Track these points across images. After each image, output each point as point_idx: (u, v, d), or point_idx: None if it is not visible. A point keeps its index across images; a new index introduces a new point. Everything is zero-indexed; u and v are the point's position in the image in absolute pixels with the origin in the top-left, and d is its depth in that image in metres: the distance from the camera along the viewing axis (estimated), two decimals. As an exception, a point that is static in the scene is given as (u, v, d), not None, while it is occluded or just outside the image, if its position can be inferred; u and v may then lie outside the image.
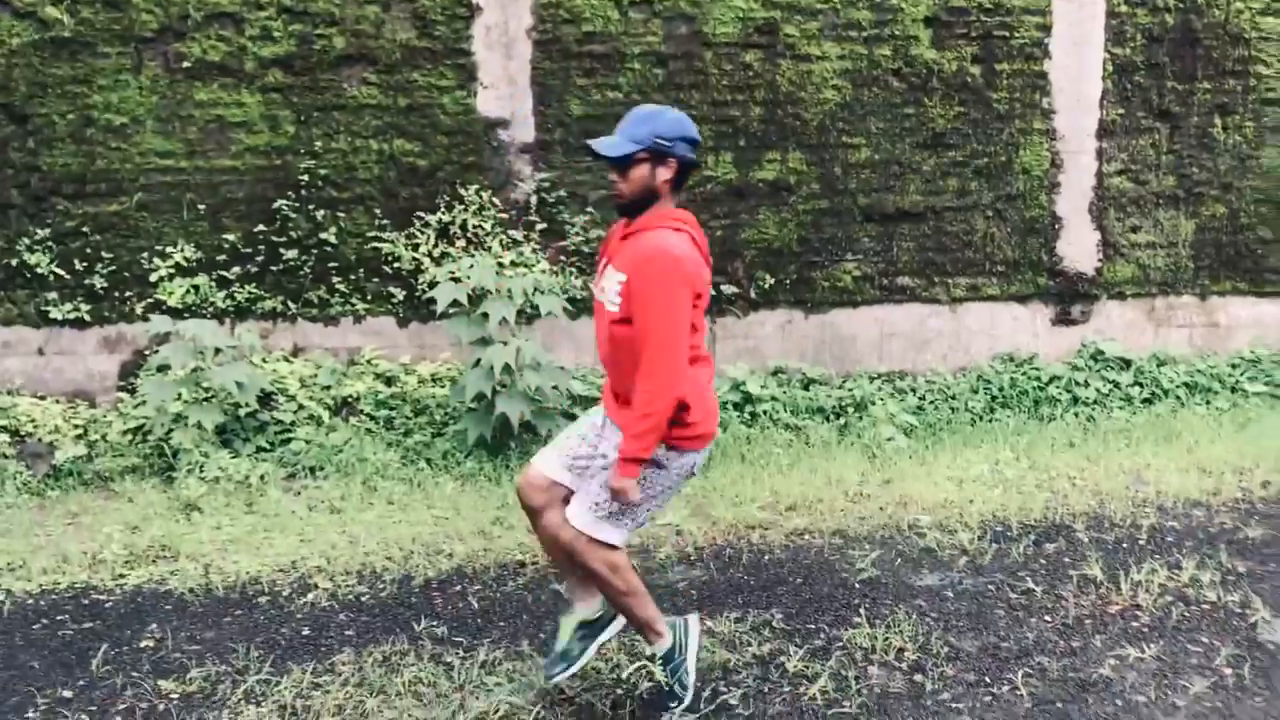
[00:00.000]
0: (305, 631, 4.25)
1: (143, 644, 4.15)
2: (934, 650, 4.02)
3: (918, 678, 3.83)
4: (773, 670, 3.87)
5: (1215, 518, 5.55)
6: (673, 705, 3.52)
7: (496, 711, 3.54)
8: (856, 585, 4.67)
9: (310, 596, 4.59)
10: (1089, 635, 4.16)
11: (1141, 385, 7.66)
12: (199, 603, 4.57)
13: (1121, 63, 7.71)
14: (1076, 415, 7.37)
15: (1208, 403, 7.61)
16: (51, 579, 4.82)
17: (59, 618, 4.42)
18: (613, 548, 3.36)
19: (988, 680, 3.81)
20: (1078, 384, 7.58)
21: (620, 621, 3.65)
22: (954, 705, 3.63)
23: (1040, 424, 7.22)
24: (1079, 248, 7.84)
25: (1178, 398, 7.61)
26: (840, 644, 4.07)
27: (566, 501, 3.50)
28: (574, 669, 3.55)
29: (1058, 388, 7.55)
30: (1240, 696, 3.68)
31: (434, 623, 4.29)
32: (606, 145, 3.29)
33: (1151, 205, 7.89)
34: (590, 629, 3.60)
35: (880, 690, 3.73)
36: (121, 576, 4.88)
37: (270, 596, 4.62)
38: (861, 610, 4.36)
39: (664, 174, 3.31)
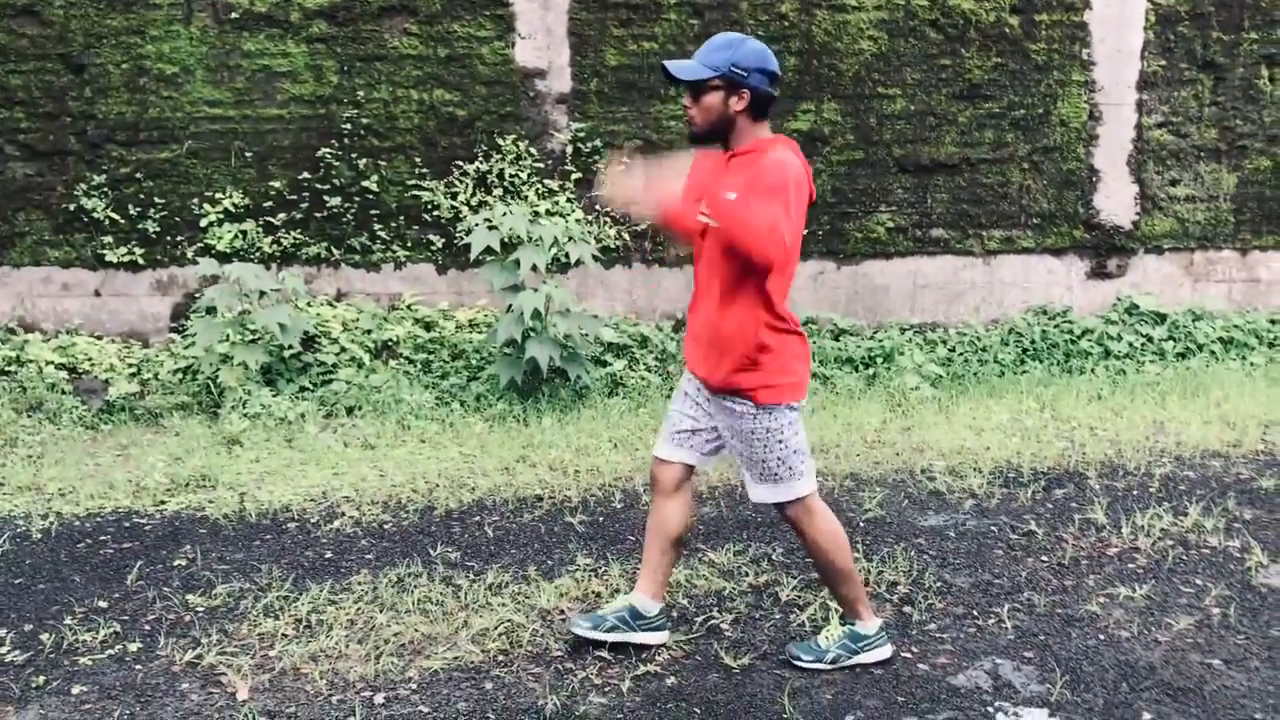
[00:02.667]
0: (328, 555, 4.49)
1: (176, 563, 4.41)
2: (926, 585, 4.14)
3: (906, 609, 3.95)
4: (766, 599, 4.02)
5: (1232, 468, 5.57)
6: (804, 658, 3.49)
7: (497, 628, 3.74)
8: (861, 524, 4.79)
9: (337, 524, 4.82)
10: (1082, 575, 4.25)
11: (1175, 340, 7.64)
12: (232, 528, 4.82)
13: (1164, 13, 7.62)
14: (1107, 369, 7.37)
15: (1243, 358, 7.57)
16: (97, 503, 5.11)
17: (101, 538, 4.70)
18: (806, 499, 3.36)
19: (975, 614, 3.92)
20: (1110, 338, 7.58)
21: (661, 637, 3.61)
22: (938, 635, 3.75)
23: (1070, 377, 7.24)
24: (1116, 201, 7.81)
25: (1212, 353, 7.58)
26: (836, 577, 4.21)
27: (686, 478, 3.52)
28: (591, 634, 3.55)
29: (1090, 341, 7.55)
30: (1223, 634, 3.75)
31: (449, 549, 4.50)
32: (680, 68, 3.22)
33: (1192, 158, 7.82)
34: (633, 619, 3.57)
35: (868, 620, 3.87)
36: (162, 503, 5.16)
37: (299, 523, 4.86)
38: (860, 546, 4.49)
39: (737, 104, 3.19)
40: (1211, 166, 7.84)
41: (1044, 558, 4.43)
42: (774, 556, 4.40)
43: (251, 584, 4.17)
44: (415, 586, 4.09)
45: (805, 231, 7.50)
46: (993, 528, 4.76)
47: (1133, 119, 7.73)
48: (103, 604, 4.02)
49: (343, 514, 4.95)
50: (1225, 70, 7.72)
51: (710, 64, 3.19)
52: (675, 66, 3.24)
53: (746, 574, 4.21)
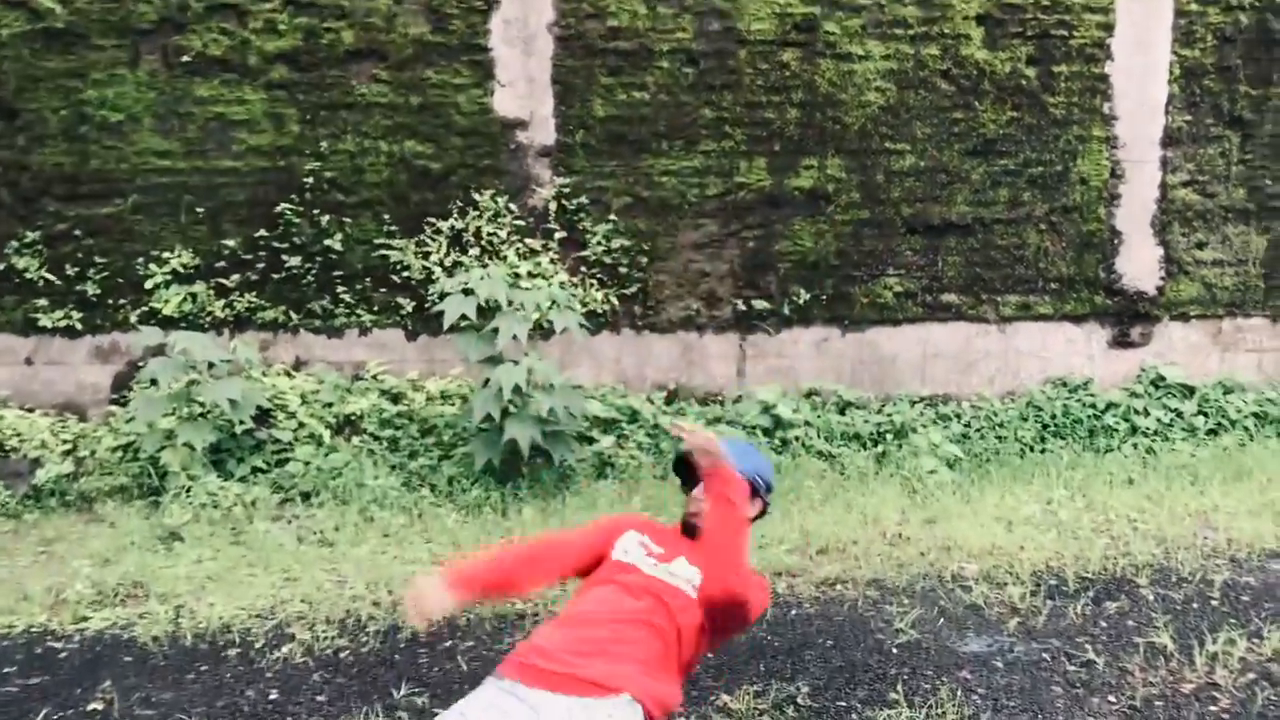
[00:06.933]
0: (273, 695, 3.80)
1: (91, 707, 3.72)
2: (982, 738, 3.51)
3: (963, 774, 3.32)
4: (796, 760, 3.37)
5: (1295, 573, 4.98)
6: None
7: (473, 810, 3.07)
8: (894, 651, 4.16)
9: (285, 650, 4.14)
10: (1160, 722, 3.63)
11: (1206, 415, 7.08)
12: (162, 654, 4.13)
13: (1190, 65, 7.12)
14: (1135, 447, 6.80)
15: (1279, 435, 7.01)
16: (7, 620, 4.42)
17: (6, 670, 4.00)
18: None
19: (1045, 779, 3.29)
20: (1136, 412, 7.02)
21: None
22: (1006, 812, 3.12)
23: (1096, 456, 6.66)
24: (1139, 264, 7.26)
25: (1246, 429, 7.02)
26: (874, 727, 3.57)
27: None
28: None
29: (1115, 416, 6.98)
30: (1343, 808, 3.14)
31: (415, 688, 3.82)
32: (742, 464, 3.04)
33: (1220, 219, 7.30)
34: None
35: (920, 790, 3.23)
36: (84, 619, 4.47)
37: (241, 649, 4.18)
38: (899, 685, 3.85)
39: (751, 511, 3.14)
40: (1240, 228, 7.32)
41: (1111, 698, 3.80)
42: (799, 699, 3.74)
43: (178, 739, 3.49)
44: (375, 745, 3.42)
45: (808, 295, 6.98)
46: (1045, 655, 4.13)
47: (1157, 177, 7.20)
48: (-6, 770, 3.33)
49: (292, 637, 4.26)
50: (1254, 126, 7.22)
51: (742, 469, 3.03)
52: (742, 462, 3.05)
53: (770, 726, 3.57)
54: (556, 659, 2.67)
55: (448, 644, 4.21)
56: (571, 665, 2.65)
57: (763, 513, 3.24)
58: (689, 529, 3.13)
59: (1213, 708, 3.73)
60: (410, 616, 2.83)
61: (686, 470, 3.30)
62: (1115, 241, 7.22)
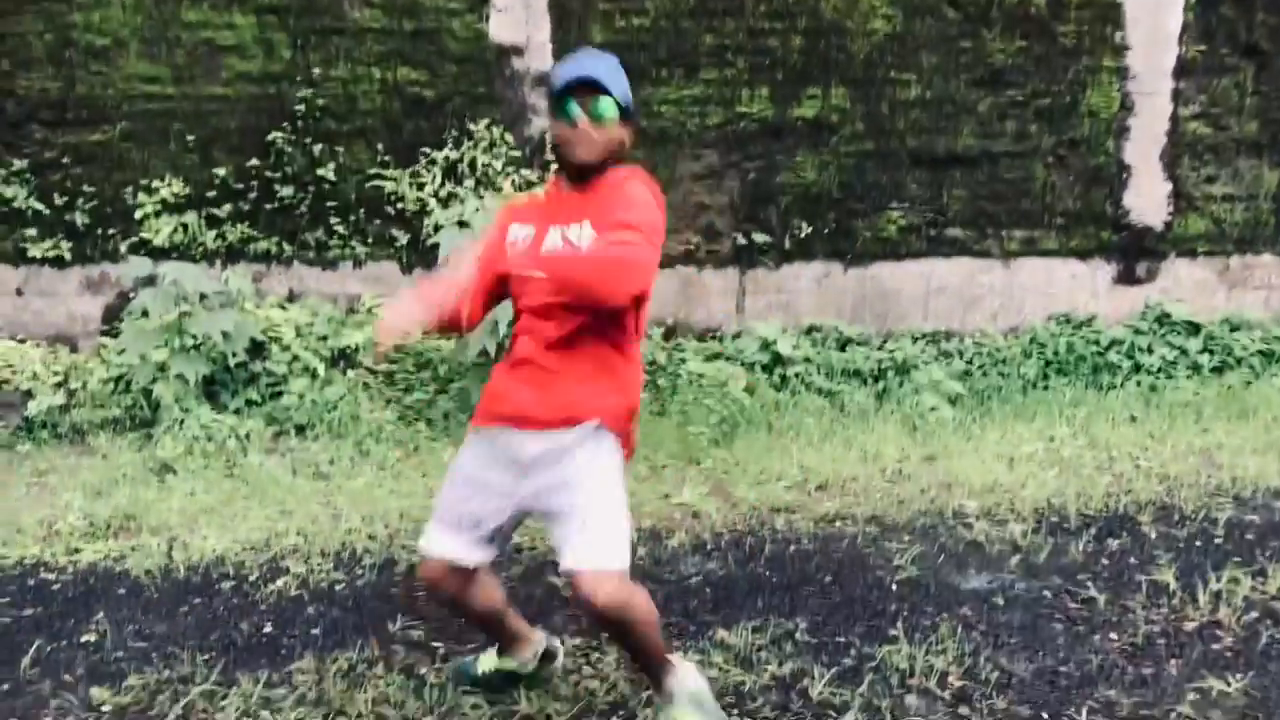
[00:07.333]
0: (267, 628, 3.76)
1: (84, 638, 3.67)
2: (982, 676, 3.46)
3: (963, 710, 3.27)
4: (794, 697, 3.32)
5: (1300, 511, 4.94)
6: None
7: (468, 744, 3.04)
8: (893, 588, 4.11)
9: (279, 583, 4.10)
10: (1162, 660, 3.59)
11: (1211, 352, 7.00)
12: (156, 586, 4.09)
13: (1206, -8, 6.94)
14: (1139, 384, 6.73)
15: (1285, 373, 6.95)
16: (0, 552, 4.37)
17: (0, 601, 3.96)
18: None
19: (1045, 716, 3.25)
20: (1140, 349, 6.94)
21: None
22: (1006, 748, 3.08)
23: (1099, 394, 6.60)
24: (1148, 199, 7.14)
25: (1251, 367, 6.95)
26: (873, 664, 3.52)
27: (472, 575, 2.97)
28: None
29: (1118, 353, 6.90)
30: (1346, 747, 3.11)
31: (410, 621, 3.78)
32: (618, 87, 2.73)
33: (1231, 153, 7.16)
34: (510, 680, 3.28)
35: (919, 726, 3.19)
36: (77, 551, 4.42)
37: (235, 581, 4.13)
38: (899, 621, 3.81)
39: (628, 137, 2.83)
40: (1252, 162, 7.18)
41: (1112, 635, 3.76)
42: (798, 635, 3.70)
43: (171, 672, 3.44)
44: (369, 679, 3.37)
45: (810, 229, 6.87)
46: (1046, 592, 4.09)
47: (1168, 110, 7.06)
48: (-16, 703, 3.28)
49: (287, 570, 4.22)
50: (1270, 57, 7.05)
51: (622, 90, 2.76)
52: (617, 87, 2.74)
53: (768, 661, 3.51)
54: (512, 402, 2.79)
55: (443, 578, 4.16)
56: (526, 406, 2.76)
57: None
58: (566, 166, 2.84)
59: (1215, 646, 3.69)
60: (381, 336, 2.72)
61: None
62: (1123, 176, 7.10)
